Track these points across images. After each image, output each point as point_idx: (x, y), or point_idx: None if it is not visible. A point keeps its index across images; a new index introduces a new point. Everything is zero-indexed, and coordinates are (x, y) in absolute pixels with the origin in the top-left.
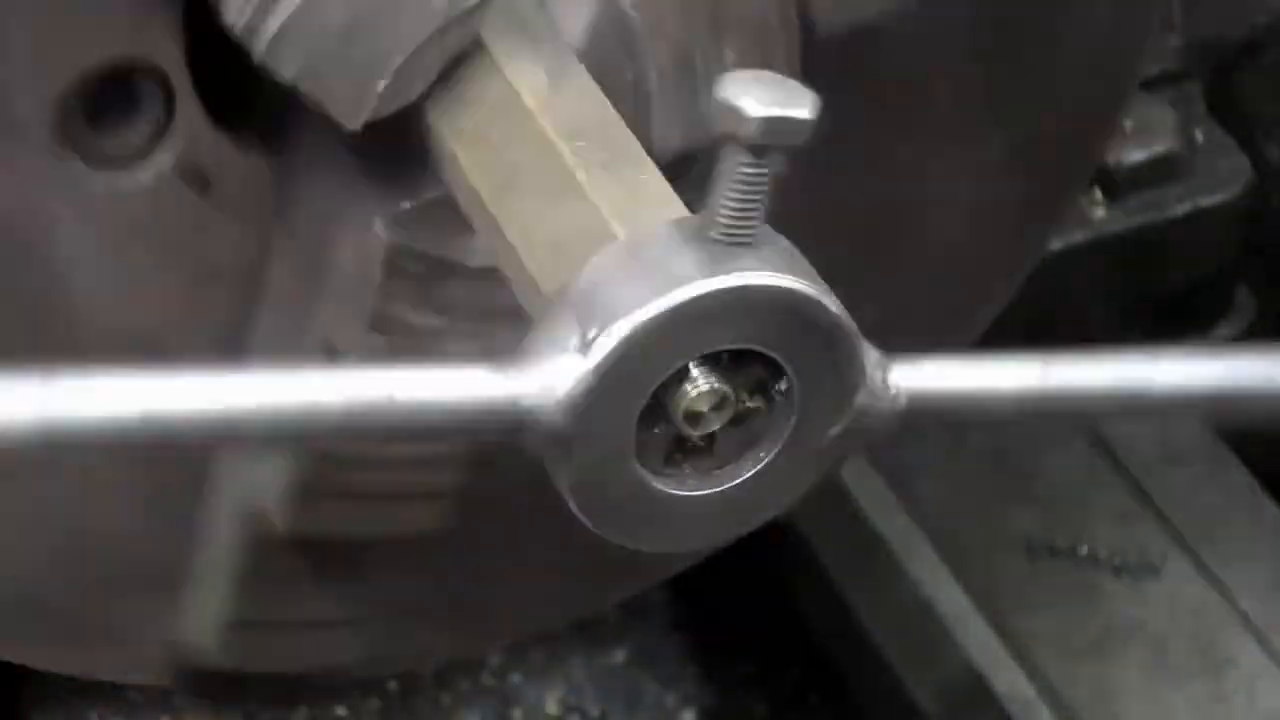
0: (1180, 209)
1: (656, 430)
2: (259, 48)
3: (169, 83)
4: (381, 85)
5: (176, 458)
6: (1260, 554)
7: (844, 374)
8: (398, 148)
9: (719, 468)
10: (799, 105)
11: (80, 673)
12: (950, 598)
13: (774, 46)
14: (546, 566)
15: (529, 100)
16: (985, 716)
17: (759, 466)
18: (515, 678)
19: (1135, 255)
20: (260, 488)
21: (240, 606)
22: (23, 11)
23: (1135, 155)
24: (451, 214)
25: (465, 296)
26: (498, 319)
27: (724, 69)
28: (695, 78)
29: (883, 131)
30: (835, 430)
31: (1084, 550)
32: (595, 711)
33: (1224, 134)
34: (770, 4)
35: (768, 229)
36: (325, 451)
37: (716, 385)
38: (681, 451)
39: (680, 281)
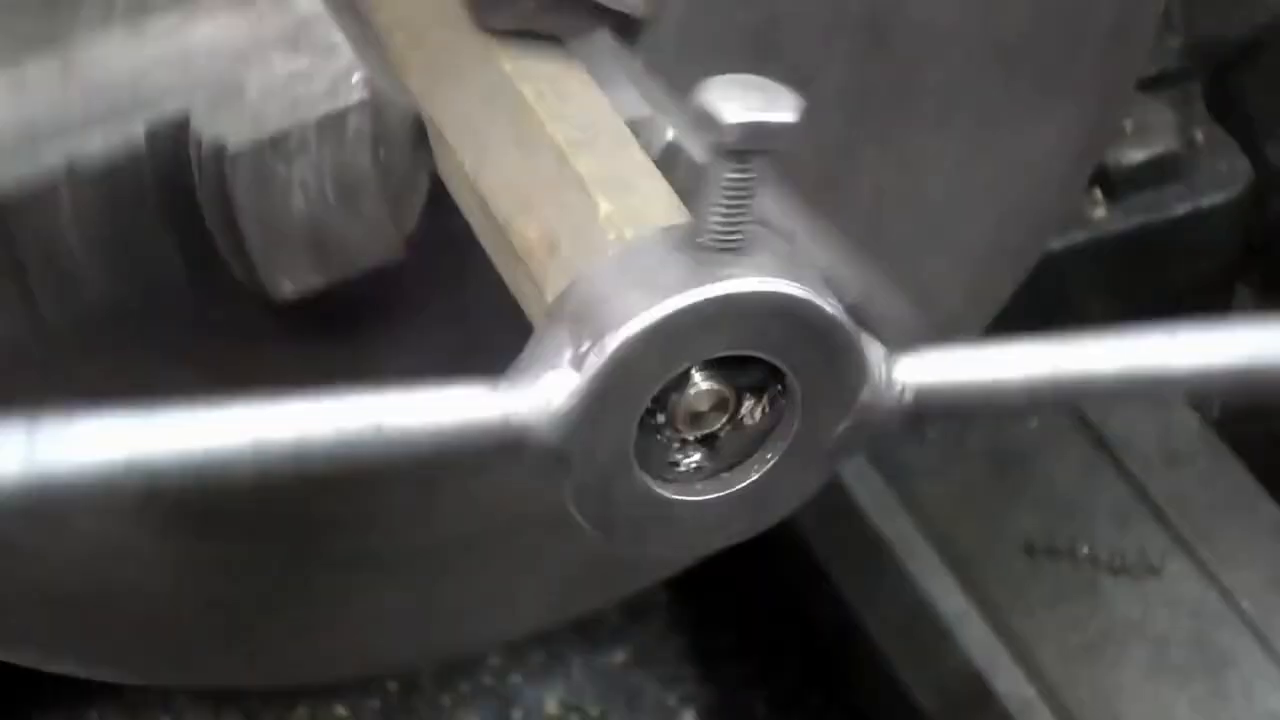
0: (1180, 209)
1: (659, 436)
2: None
3: None
4: None
5: None
6: (1260, 554)
7: (846, 372)
8: None
9: (725, 471)
10: (780, 109)
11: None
12: (950, 598)
13: None
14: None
15: (530, 97)
16: (985, 716)
17: (766, 468)
18: (515, 678)
19: (1135, 255)
20: None
21: None
22: None
23: (1135, 155)
24: None
25: None
26: None
27: None
28: None
29: None
30: (841, 428)
31: (1084, 550)
32: (595, 712)
33: (1224, 134)
34: None
35: (761, 231)
36: None
37: (716, 388)
38: (686, 456)
39: (669, 292)
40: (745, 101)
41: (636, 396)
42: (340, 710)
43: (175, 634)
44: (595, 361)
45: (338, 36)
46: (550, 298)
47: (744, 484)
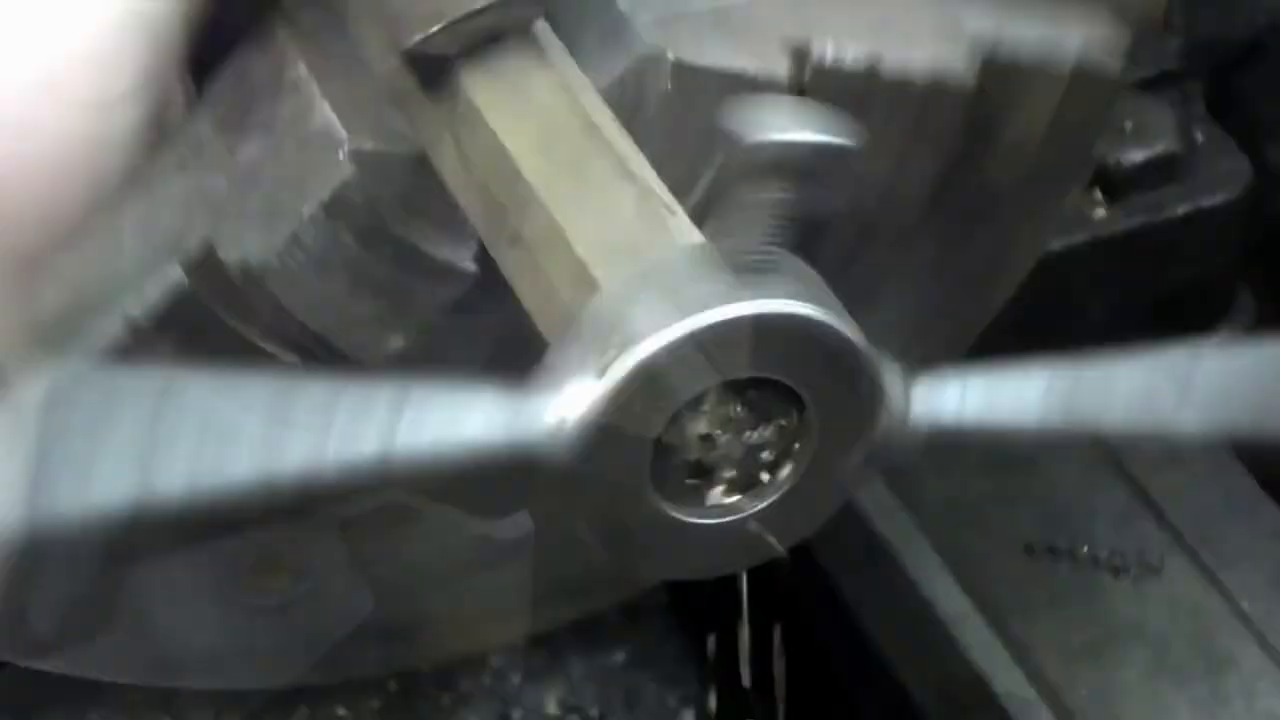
0: (1180, 209)
1: (674, 458)
2: None
3: None
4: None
5: None
6: (1260, 554)
7: (864, 399)
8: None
9: (740, 494)
10: (803, 129)
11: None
12: (950, 598)
13: None
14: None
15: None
16: (985, 717)
17: (781, 493)
18: (515, 678)
19: (1135, 255)
20: None
21: None
22: None
23: (1135, 155)
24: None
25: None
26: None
27: None
28: None
29: None
30: (857, 454)
31: (1084, 551)
32: (595, 712)
33: (1224, 134)
34: None
35: (786, 254)
36: None
37: (734, 411)
38: (701, 479)
39: (699, 307)
40: (769, 121)
41: (654, 414)
42: (340, 710)
43: None
44: (619, 370)
45: (324, 112)
46: (574, 309)
47: (757, 509)
